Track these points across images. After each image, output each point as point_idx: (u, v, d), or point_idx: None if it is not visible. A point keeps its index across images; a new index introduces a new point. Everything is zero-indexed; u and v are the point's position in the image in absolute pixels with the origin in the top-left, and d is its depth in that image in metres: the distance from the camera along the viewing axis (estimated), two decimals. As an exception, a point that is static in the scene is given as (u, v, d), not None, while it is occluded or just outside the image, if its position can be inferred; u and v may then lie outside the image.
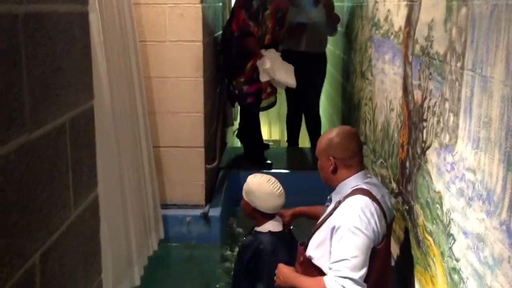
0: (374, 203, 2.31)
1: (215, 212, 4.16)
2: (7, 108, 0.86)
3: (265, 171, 4.97)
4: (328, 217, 2.38)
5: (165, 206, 4.04)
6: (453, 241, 2.15)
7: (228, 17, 5.23)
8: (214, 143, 4.70)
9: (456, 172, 2.13)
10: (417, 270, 2.65)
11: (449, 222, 2.20)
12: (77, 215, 1.14)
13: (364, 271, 2.22)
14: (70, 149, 1.11)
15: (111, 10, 3.00)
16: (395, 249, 3.13)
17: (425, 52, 2.59)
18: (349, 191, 2.38)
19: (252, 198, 2.82)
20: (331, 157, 2.44)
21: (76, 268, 1.14)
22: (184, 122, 4.04)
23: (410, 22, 2.89)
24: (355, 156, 2.43)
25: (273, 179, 2.86)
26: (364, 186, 2.38)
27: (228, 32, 4.81)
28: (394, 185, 3.20)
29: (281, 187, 2.83)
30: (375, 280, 2.34)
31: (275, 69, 4.74)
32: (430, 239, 2.44)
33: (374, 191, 2.38)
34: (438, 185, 2.35)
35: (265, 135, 7.30)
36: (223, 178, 4.84)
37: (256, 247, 2.76)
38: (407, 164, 2.89)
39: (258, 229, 2.86)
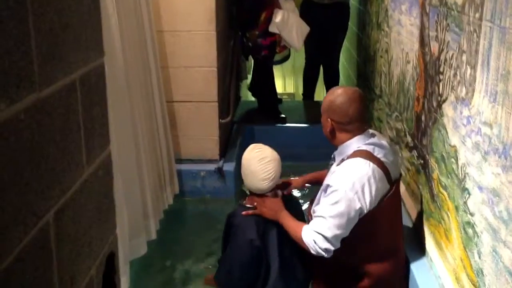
0: (374, 165, 2.33)
1: (229, 166, 4.18)
2: (15, 66, 0.85)
3: (279, 125, 5.01)
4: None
5: (179, 161, 4.07)
6: (468, 195, 2.14)
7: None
8: (228, 97, 4.68)
9: (472, 126, 2.10)
10: (431, 224, 2.66)
11: (464, 176, 2.18)
12: (90, 172, 1.14)
13: (339, 232, 2.29)
14: (81, 106, 1.10)
15: (121, -38, 2.94)
16: (409, 203, 3.14)
17: (443, 2, 2.52)
18: (350, 152, 2.39)
19: (241, 171, 2.59)
20: (329, 119, 2.44)
21: (91, 225, 1.15)
22: (197, 76, 4.02)
23: (427, -29, 2.81)
24: (354, 122, 2.41)
25: (268, 158, 2.49)
26: (366, 148, 2.39)
27: None
28: (409, 138, 3.17)
29: (271, 171, 2.48)
30: (384, 236, 2.43)
31: (286, 25, 4.64)
32: (445, 193, 2.44)
33: (375, 152, 2.38)
34: (454, 139, 2.33)
35: (279, 88, 7.26)
36: (237, 133, 4.85)
37: (228, 220, 2.62)
38: (423, 117, 2.85)
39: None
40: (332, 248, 2.30)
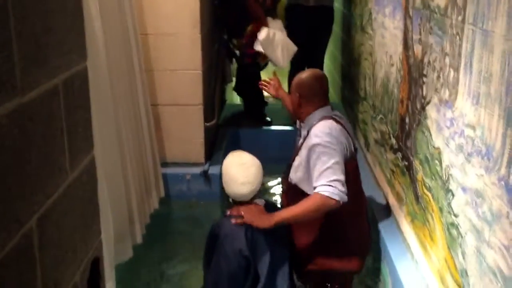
0: (340, 126, 2.64)
1: (215, 170, 4.16)
2: (-3, 71, 0.84)
3: (265, 127, 5.01)
4: (302, 145, 2.67)
5: (164, 164, 4.05)
6: (451, 196, 2.16)
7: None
8: (213, 100, 4.67)
9: (455, 128, 2.12)
10: (416, 225, 2.68)
11: (448, 177, 2.20)
12: (73, 177, 1.13)
13: (344, 176, 2.50)
14: (64, 111, 1.09)
15: (105, -35, 2.93)
16: (394, 204, 3.15)
17: (425, 5, 2.54)
18: (316, 121, 2.66)
19: (222, 180, 2.59)
20: (297, 93, 2.76)
21: (75, 230, 1.14)
22: (182, 80, 4.01)
23: (410, -26, 2.83)
24: (318, 95, 2.75)
25: (249, 163, 2.56)
26: (330, 115, 2.71)
27: None
28: (393, 140, 3.19)
29: (250, 175, 2.51)
30: (351, 194, 2.58)
31: (271, 43, 4.63)
32: (429, 194, 2.46)
33: (338, 119, 2.70)
34: (438, 141, 2.35)
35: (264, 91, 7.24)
36: (223, 136, 4.84)
37: (213, 231, 2.54)
38: (407, 119, 2.87)
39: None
40: (346, 191, 2.47)
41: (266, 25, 4.64)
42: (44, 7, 1.01)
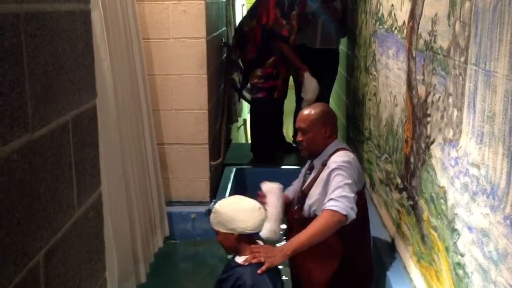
0: (355, 157, 2.80)
1: (220, 208, 4.16)
2: (9, 107, 0.86)
3: (270, 167, 5.02)
4: (319, 176, 2.75)
5: (169, 203, 4.05)
6: (457, 236, 2.14)
7: (232, 12, 5.22)
8: (218, 139, 4.71)
9: (460, 167, 2.13)
10: (422, 265, 2.65)
11: (454, 217, 2.19)
12: (80, 213, 1.14)
13: (354, 195, 2.60)
14: (73, 148, 1.11)
15: (114, 7, 3.00)
16: (400, 244, 3.13)
17: (428, 47, 2.58)
18: (331, 151, 2.78)
19: (232, 225, 2.47)
20: (327, 125, 2.83)
21: (80, 266, 1.15)
22: (188, 119, 4.05)
23: (413, 16, 2.88)
24: (336, 126, 2.93)
25: (242, 196, 2.62)
26: (344, 147, 2.86)
27: (250, 26, 4.82)
28: (398, 180, 3.19)
29: (256, 202, 2.59)
30: (359, 218, 2.65)
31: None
32: (435, 234, 2.44)
33: (351, 151, 2.87)
34: (443, 180, 2.35)
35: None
36: (228, 175, 4.85)
37: (234, 282, 2.39)
38: (412, 159, 2.88)
39: (238, 260, 2.48)
40: (355, 208, 2.56)
41: (303, 69, 4.79)
42: (56, 46, 1.04)
